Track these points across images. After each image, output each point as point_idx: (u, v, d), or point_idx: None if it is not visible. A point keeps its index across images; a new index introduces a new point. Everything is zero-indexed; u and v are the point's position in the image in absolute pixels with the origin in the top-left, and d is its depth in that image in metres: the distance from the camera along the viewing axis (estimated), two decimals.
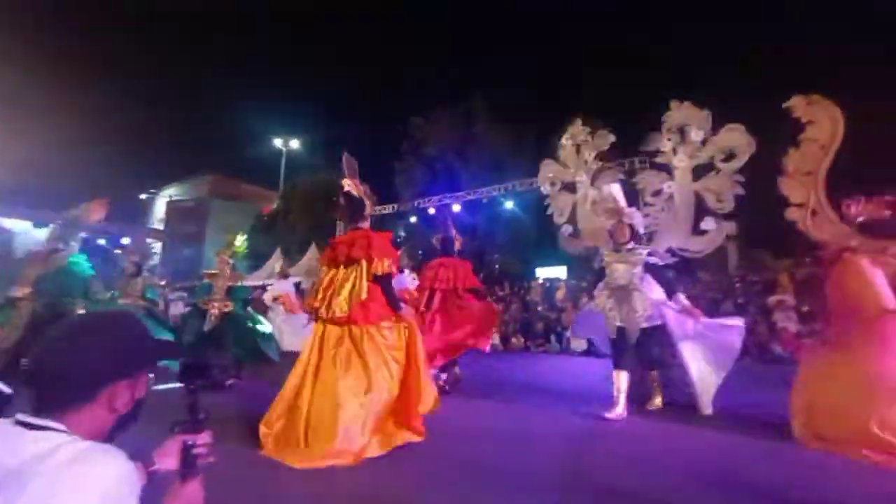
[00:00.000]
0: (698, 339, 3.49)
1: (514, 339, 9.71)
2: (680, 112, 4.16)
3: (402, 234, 19.95)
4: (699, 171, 4.14)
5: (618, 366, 3.60)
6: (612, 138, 4.81)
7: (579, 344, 8.99)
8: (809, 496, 2.01)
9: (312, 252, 16.33)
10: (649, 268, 3.61)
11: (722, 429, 3.11)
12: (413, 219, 17.64)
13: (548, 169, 5.36)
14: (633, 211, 3.82)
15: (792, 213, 3.37)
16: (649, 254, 3.66)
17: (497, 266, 18.50)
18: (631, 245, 3.67)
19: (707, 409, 3.44)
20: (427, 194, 17.11)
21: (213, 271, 5.53)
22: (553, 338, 9.32)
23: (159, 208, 27.87)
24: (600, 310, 3.68)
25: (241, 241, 5.88)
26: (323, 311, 2.72)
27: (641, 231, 3.80)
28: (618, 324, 3.56)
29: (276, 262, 17.36)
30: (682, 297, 3.56)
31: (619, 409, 3.43)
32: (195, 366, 1.04)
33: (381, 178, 20.08)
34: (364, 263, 2.75)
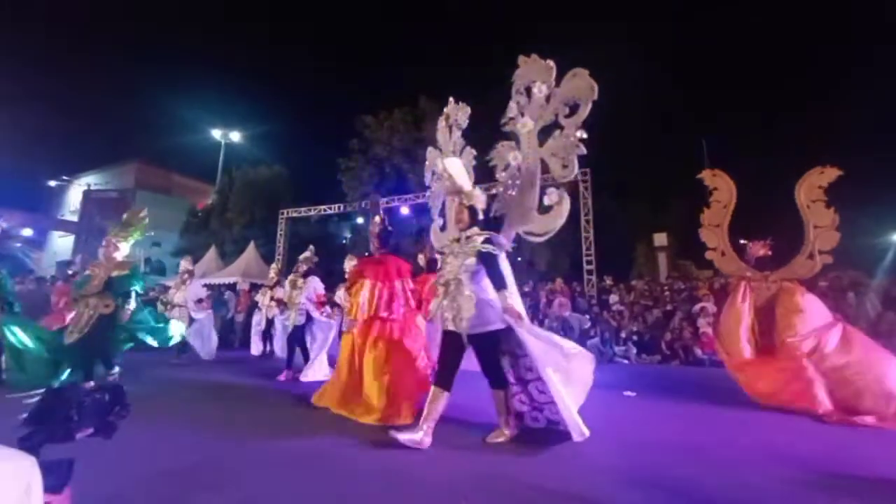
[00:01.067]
0: (551, 353, 2.80)
1: None
2: (526, 68, 3.51)
3: (349, 235, 19.48)
4: (548, 135, 3.40)
5: (437, 381, 2.90)
6: (467, 111, 4.18)
7: None
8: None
9: (251, 251, 15.53)
10: (483, 259, 2.90)
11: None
12: (360, 220, 17.29)
13: (428, 156, 4.66)
14: (472, 190, 3.15)
15: (709, 255, 4.71)
16: (486, 241, 2.93)
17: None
18: (470, 232, 3.03)
19: (578, 435, 2.62)
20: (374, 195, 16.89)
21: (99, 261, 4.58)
22: None
23: (73, 198, 25.30)
24: (433, 313, 3.12)
25: (141, 219, 4.83)
26: (366, 311, 3.77)
27: (481, 214, 3.12)
28: (449, 327, 2.92)
29: (211, 262, 16.35)
30: (507, 294, 2.84)
31: (419, 436, 2.67)
32: (33, 418, 0.88)
33: (327, 177, 19.52)
34: (393, 278, 3.91)
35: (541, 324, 9.82)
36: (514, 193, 3.52)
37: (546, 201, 3.29)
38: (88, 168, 26.47)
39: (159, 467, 2.23)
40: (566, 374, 2.78)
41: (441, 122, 4.34)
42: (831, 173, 4.22)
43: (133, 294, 4.49)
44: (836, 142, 16.85)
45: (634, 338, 8.80)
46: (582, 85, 3.19)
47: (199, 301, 7.22)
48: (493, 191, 3.73)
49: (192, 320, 6.96)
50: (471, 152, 4.14)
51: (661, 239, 16.37)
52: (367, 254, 4.89)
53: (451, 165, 3.27)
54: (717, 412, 4.02)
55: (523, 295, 11.76)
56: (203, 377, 5.44)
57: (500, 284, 2.85)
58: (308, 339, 5.87)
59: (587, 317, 9.38)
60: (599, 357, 8.61)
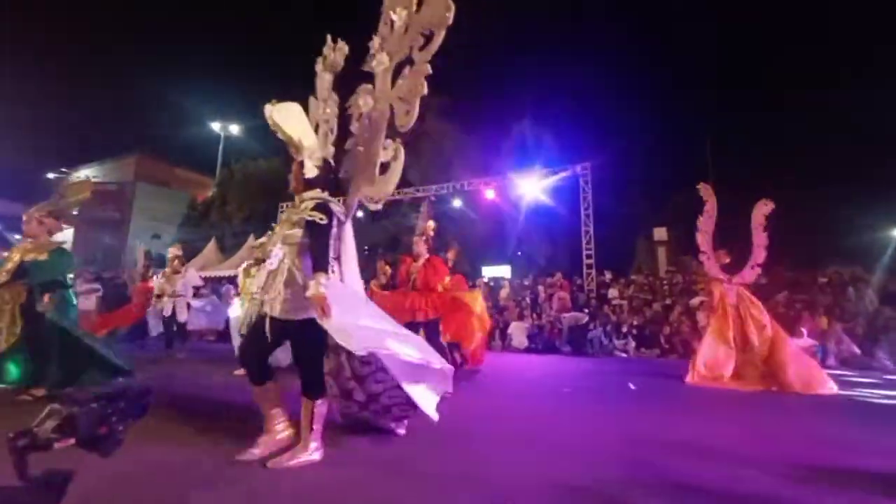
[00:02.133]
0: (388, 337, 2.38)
1: None
2: None
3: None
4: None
5: (253, 377, 2.42)
6: (344, 51, 3.07)
7: (521, 342, 9.27)
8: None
9: (251, 244, 15.54)
10: (309, 229, 2.33)
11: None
12: (359, 213, 17.26)
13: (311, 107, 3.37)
14: (303, 142, 2.57)
15: (700, 256, 5.71)
16: (318, 207, 2.37)
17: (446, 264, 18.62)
18: (304, 195, 2.52)
19: (433, 413, 2.44)
20: None
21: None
22: (497, 335, 9.52)
23: None
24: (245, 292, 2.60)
25: (78, 189, 4.04)
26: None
27: (314, 172, 2.58)
28: (265, 310, 2.35)
29: (210, 254, 16.35)
30: (322, 278, 2.16)
31: (304, 455, 2.20)
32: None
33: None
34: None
35: (539, 317, 9.87)
36: (362, 149, 2.76)
37: (381, 157, 2.60)
38: (87, 160, 26.38)
39: (154, 460, 2.25)
40: (409, 356, 2.35)
41: (318, 66, 3.25)
42: (769, 205, 5.74)
43: (60, 286, 3.66)
44: (838, 138, 16.79)
45: (634, 332, 8.84)
46: (438, 8, 2.48)
47: (197, 289, 7.08)
48: (347, 146, 3.00)
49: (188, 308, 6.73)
50: (336, 100, 3.07)
51: (660, 234, 16.35)
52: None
53: (278, 112, 2.51)
54: (716, 404, 4.06)
55: (523, 289, 11.89)
56: (197, 371, 5.45)
57: (317, 264, 2.22)
58: None
59: (585, 311, 9.41)
60: (600, 350, 8.66)
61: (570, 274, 11.72)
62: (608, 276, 11.59)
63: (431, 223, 4.48)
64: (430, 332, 4.58)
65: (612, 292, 10.69)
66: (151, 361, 5.94)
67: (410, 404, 2.50)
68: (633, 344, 8.69)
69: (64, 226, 3.92)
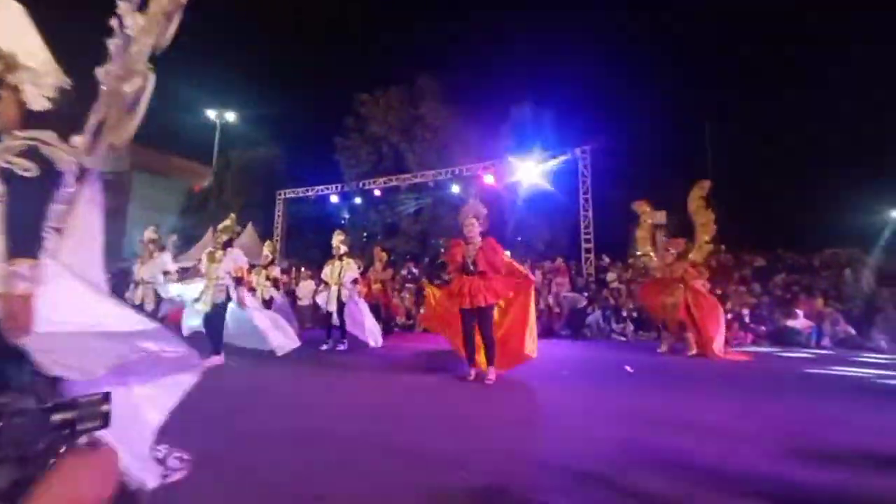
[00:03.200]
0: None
1: None
2: None
3: (347, 215, 19.43)
4: None
5: None
6: None
7: None
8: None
9: (249, 234, 15.51)
10: (7, 185, 1.31)
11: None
12: (358, 200, 17.20)
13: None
14: (29, 63, 1.66)
15: (643, 258, 7.27)
16: (25, 153, 1.40)
17: (442, 250, 18.60)
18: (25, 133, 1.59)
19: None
20: (372, 175, 16.76)
21: None
22: None
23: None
24: None
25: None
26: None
27: (33, 105, 1.62)
28: None
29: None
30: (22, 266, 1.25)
31: None
32: None
33: (324, 156, 19.35)
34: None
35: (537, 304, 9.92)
36: (117, 78, 1.95)
37: (127, 87, 1.87)
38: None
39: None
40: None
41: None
42: (705, 185, 6.64)
43: None
44: (837, 119, 16.65)
45: (633, 315, 8.90)
46: None
47: (167, 273, 6.20)
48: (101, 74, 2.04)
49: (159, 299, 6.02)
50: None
51: (660, 217, 16.34)
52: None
53: None
54: (713, 386, 4.12)
55: None
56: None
57: (14, 243, 1.34)
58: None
59: (584, 294, 9.46)
60: (598, 334, 8.74)
61: (569, 258, 11.74)
62: (606, 259, 11.62)
63: (474, 219, 4.26)
64: (484, 321, 4.15)
65: (611, 276, 10.72)
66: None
67: None
68: (631, 328, 8.75)
69: None
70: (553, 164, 12.70)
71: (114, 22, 1.83)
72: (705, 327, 6.01)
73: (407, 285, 11.05)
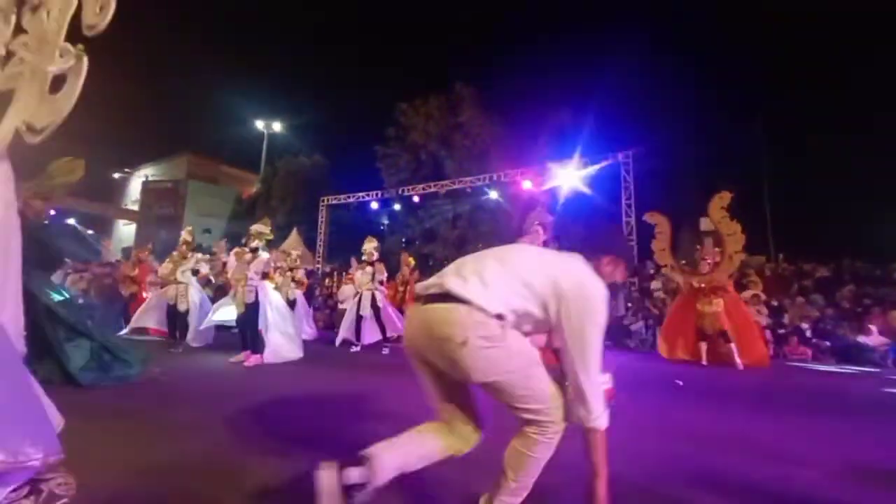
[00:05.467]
0: None
1: None
2: None
3: (386, 221, 19.80)
4: None
5: None
6: None
7: None
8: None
9: (294, 237, 16.11)
10: None
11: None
12: (397, 206, 17.51)
13: None
14: None
15: (664, 270, 7.24)
16: None
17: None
18: None
19: None
20: (411, 182, 17.01)
21: None
22: None
23: (134, 189, 27.00)
24: None
25: (72, 158, 3.45)
26: None
27: None
28: None
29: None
30: None
31: None
32: None
33: (366, 164, 19.85)
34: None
35: None
36: (31, 54, 1.84)
37: (56, 67, 1.74)
38: (146, 160, 28.11)
39: (166, 458, 2.37)
40: None
41: None
42: (726, 196, 6.59)
43: None
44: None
45: None
46: None
47: (196, 273, 6.50)
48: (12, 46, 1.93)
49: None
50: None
51: (707, 223, 15.57)
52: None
53: None
54: (769, 401, 3.86)
55: None
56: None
57: None
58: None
59: (627, 305, 9.15)
60: (641, 346, 8.40)
61: None
62: (651, 267, 11.18)
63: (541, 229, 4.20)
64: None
65: (655, 284, 10.31)
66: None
67: None
68: None
69: (51, 210, 3.55)
70: (594, 169, 12.42)
71: None
72: (739, 337, 6.05)
73: None
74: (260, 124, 25.47)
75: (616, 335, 8.63)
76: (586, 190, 13.41)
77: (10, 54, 1.91)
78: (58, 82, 1.74)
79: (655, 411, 3.41)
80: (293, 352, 5.37)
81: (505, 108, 18.73)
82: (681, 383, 4.55)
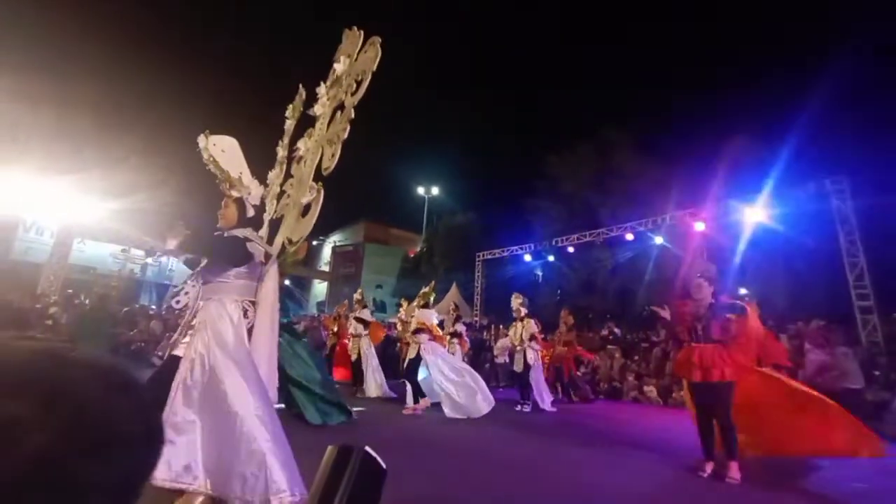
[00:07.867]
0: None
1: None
2: (347, 42, 2.80)
3: (540, 272, 19.57)
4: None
5: None
6: (303, 97, 3.22)
7: None
8: None
9: (454, 292, 17.08)
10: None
11: None
12: (551, 258, 17.20)
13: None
14: (242, 178, 2.55)
15: None
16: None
17: (647, 308, 16.71)
18: (234, 233, 2.47)
19: None
20: (565, 232, 16.63)
21: None
22: None
23: (326, 252, 32.45)
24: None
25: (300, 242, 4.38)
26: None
27: (251, 211, 2.57)
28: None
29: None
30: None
31: None
32: None
33: (518, 217, 20.30)
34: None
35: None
36: (294, 191, 2.79)
37: (305, 200, 2.53)
38: (334, 229, 33.83)
39: None
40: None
41: (287, 113, 3.37)
42: None
43: None
44: None
45: None
46: (370, 56, 2.52)
47: (364, 323, 8.03)
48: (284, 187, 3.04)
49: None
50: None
51: None
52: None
53: (213, 145, 2.44)
54: None
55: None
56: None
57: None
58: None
59: (875, 373, 6.97)
60: None
61: (833, 320, 8.93)
62: None
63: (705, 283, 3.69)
64: (719, 401, 3.41)
65: None
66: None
67: None
68: None
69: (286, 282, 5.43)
70: (789, 202, 10.33)
71: (286, 142, 2.99)
72: None
73: (608, 347, 10.19)
74: (421, 190, 28.61)
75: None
76: (778, 227, 11.17)
77: (282, 192, 2.94)
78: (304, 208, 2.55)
79: None
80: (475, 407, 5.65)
81: (663, 148, 17.35)
82: None
